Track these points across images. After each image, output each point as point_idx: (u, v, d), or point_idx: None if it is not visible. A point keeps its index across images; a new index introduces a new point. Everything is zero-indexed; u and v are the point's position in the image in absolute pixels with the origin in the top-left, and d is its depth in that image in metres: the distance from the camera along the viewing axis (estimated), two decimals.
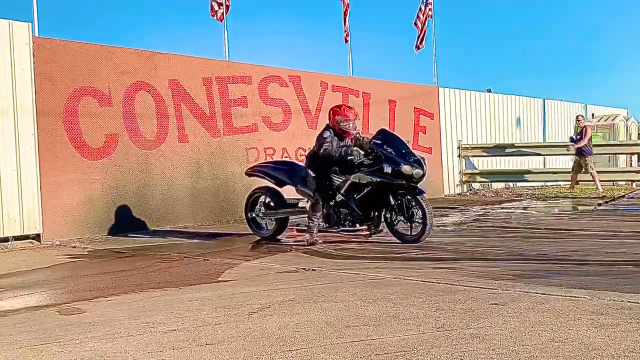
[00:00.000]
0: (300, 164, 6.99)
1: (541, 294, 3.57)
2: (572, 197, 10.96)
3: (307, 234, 6.06)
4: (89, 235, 7.34)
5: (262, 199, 6.67)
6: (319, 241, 6.00)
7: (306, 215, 6.25)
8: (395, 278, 4.21)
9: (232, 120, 9.05)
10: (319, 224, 6.14)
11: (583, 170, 11.53)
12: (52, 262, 5.66)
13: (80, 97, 7.46)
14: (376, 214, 6.05)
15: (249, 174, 6.92)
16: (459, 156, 13.18)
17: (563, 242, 5.77)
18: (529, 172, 13.28)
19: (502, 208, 9.56)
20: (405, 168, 5.70)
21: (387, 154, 5.77)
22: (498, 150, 13.34)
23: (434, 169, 11.73)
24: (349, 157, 5.83)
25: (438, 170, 12.44)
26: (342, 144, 6.00)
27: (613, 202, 9.87)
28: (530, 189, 12.90)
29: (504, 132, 14.49)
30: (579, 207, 9.52)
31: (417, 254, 5.31)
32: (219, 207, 8.81)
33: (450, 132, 13.03)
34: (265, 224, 6.66)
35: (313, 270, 4.68)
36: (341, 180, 6.02)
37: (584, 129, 11.79)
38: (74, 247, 6.64)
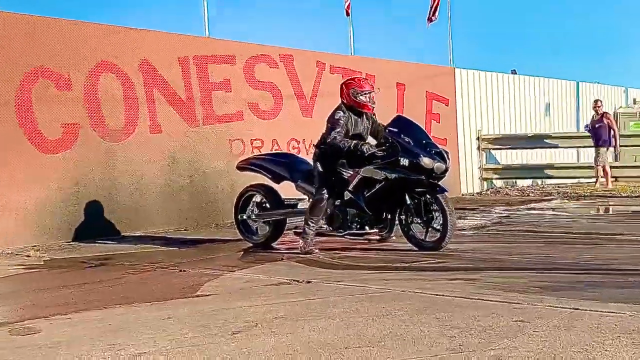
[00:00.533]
0: (300, 156, 6.97)
1: (573, 309, 3.58)
2: (611, 196, 10.99)
3: (302, 241, 6.04)
4: (45, 243, 7.33)
5: (255, 198, 6.64)
6: (315, 250, 5.98)
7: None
8: (403, 291, 4.22)
9: (213, 107, 9.03)
10: (322, 227, 6.08)
11: (594, 161, 11.67)
12: (1, 274, 5.63)
13: (35, 80, 7.44)
14: (389, 215, 6.00)
15: (241, 167, 6.90)
16: (478, 148, 13.19)
17: (600, 249, 5.78)
18: (560, 167, 13.29)
19: (528, 209, 9.57)
20: (425, 161, 5.65)
21: (404, 144, 5.72)
22: (524, 141, 13.35)
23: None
24: (358, 152, 5.76)
25: (454, 166, 12.44)
26: (359, 129, 5.94)
27: None
28: (562, 187, 12.92)
29: (531, 121, 14.51)
30: (620, 208, 9.52)
31: (429, 263, 5.32)
32: (198, 208, 8.81)
33: (468, 121, 13.04)
34: (258, 227, 6.63)
35: (307, 282, 4.68)
36: (349, 175, 5.96)
37: (604, 116, 11.84)
38: (28, 256, 6.63)
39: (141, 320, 3.78)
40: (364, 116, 6.05)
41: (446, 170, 5.78)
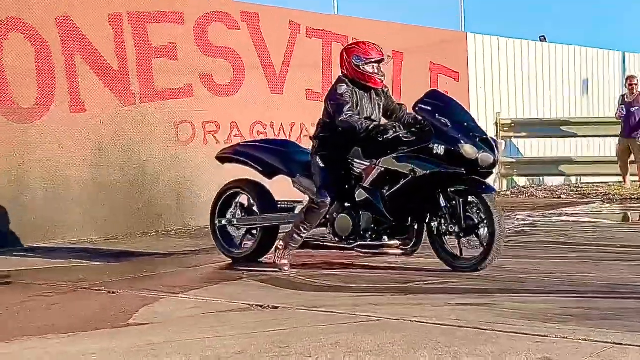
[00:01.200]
0: (300, 145, 6.96)
1: (614, 343, 3.61)
2: None
3: (281, 243, 5.95)
4: None
5: (239, 198, 6.59)
6: (286, 268, 5.92)
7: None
8: (397, 319, 4.22)
9: (155, 79, 8.98)
10: (325, 237, 5.97)
11: (634, 158, 11.80)
12: None
13: None
14: (415, 223, 5.85)
15: (223, 157, 6.88)
16: (496, 137, 13.27)
17: None
18: (599, 161, 13.39)
19: (559, 215, 9.65)
20: (467, 149, 5.54)
21: (439, 126, 5.62)
22: (554, 128, 13.45)
23: None
24: (379, 136, 5.67)
25: None
26: (365, 108, 5.86)
27: None
28: (602, 187, 13.06)
29: (563, 101, 14.63)
30: None
31: (433, 284, 5.34)
32: (134, 211, 8.76)
33: (484, 101, 13.12)
34: (242, 237, 6.55)
35: (274, 308, 4.68)
36: (364, 167, 5.88)
37: (638, 98, 11.93)
38: None
39: (57, 356, 3.73)
40: (372, 92, 6.00)
41: (494, 164, 5.69)
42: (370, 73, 5.92)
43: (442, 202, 5.69)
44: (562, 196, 12.15)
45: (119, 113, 8.69)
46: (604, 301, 4.65)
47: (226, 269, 6.30)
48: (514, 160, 13.50)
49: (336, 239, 6.03)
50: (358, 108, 5.88)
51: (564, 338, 3.73)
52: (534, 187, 13.38)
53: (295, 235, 5.95)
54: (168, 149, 9.01)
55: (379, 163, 5.81)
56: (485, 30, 13.36)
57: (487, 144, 5.67)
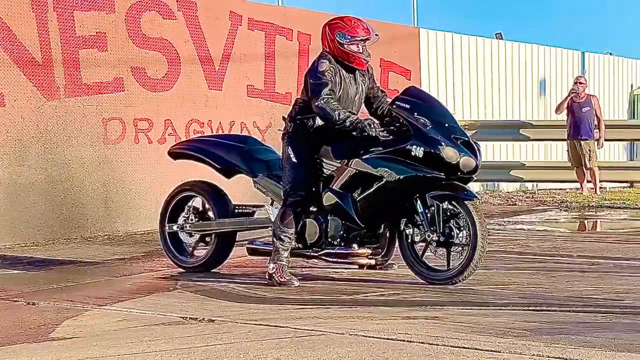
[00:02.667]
0: (260, 140, 6.95)
1: (570, 359, 3.66)
2: (624, 207, 11.37)
3: (272, 264, 5.79)
4: None
5: (192, 202, 6.54)
6: (294, 281, 5.75)
7: (265, 230, 6.14)
8: (342, 334, 4.24)
9: (82, 71, 8.89)
10: (292, 246, 5.84)
11: (585, 162, 12.11)
12: None
13: None
14: (387, 230, 5.84)
15: (176, 153, 6.83)
16: None
17: (607, 278, 5.97)
18: (557, 166, 13.64)
19: (514, 223, 9.81)
20: (448, 152, 5.54)
21: (418, 126, 5.60)
22: (511, 131, 13.63)
23: None
24: (356, 132, 5.59)
25: None
26: (349, 91, 5.77)
27: None
28: (560, 194, 13.30)
29: (520, 102, 14.87)
30: (635, 224, 9.86)
31: (381, 295, 5.37)
32: (56, 215, 8.65)
33: None
34: (195, 244, 6.49)
35: (210, 321, 4.66)
36: (335, 168, 5.85)
37: (590, 99, 12.23)
38: None
39: None
40: (356, 73, 5.92)
41: (476, 168, 5.72)
42: (355, 53, 5.83)
43: (420, 208, 5.67)
44: (517, 203, 12.34)
45: (41, 108, 8.58)
46: (560, 314, 4.71)
47: (158, 278, 6.27)
48: None
49: (300, 245, 5.96)
50: (341, 90, 5.79)
51: (517, 354, 3.77)
52: (488, 193, 13.55)
53: (279, 246, 5.79)
54: (95, 147, 8.91)
55: (350, 164, 5.77)
56: (439, 26, 13.52)
57: (469, 147, 5.70)
